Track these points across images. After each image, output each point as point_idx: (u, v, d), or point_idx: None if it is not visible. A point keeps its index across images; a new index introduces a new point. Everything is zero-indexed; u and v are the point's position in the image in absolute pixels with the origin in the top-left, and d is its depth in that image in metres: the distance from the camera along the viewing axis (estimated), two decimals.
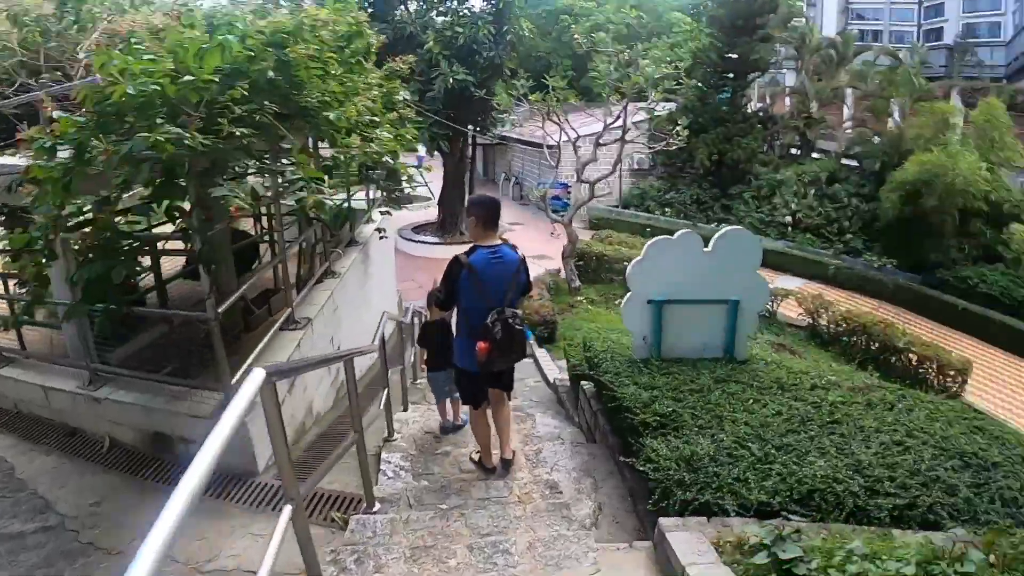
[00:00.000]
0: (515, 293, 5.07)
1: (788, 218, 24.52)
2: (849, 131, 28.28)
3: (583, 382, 7.31)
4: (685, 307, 6.17)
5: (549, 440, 6.59)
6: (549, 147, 19.26)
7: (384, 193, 11.65)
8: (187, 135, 4.39)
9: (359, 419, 4.58)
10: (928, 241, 20.79)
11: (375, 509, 4.87)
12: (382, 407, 6.28)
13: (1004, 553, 3.51)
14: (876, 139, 25.57)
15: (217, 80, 4.73)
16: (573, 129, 17.83)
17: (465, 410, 6.24)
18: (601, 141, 17.26)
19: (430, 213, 25.97)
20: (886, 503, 4.28)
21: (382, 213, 11.89)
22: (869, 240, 23.30)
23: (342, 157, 7.52)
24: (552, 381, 9.79)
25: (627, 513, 5.10)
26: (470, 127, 23.11)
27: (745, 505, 4.11)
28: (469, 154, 25.64)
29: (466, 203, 5.43)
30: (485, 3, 21.34)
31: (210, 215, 5.50)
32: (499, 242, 5.06)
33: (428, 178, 18.11)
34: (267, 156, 6.18)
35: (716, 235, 6.17)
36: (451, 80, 19.74)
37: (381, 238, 11.49)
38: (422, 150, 25.05)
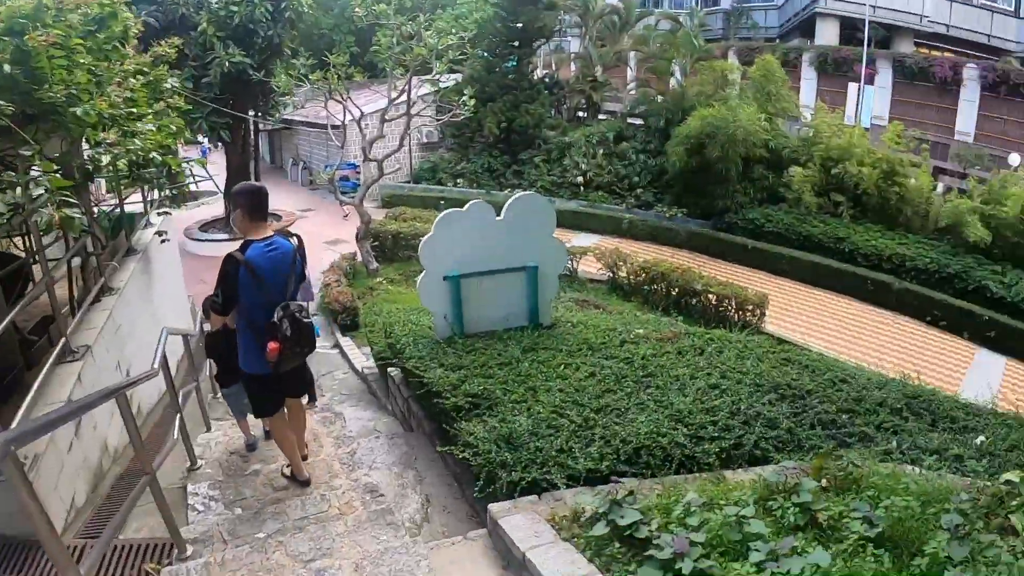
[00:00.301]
0: (296, 284, 4.77)
1: (580, 178, 25.32)
2: (633, 92, 29.60)
3: (390, 369, 7.01)
4: (483, 279, 6.03)
5: (363, 437, 6.24)
6: (334, 128, 18.51)
7: (161, 192, 10.58)
8: None
9: (148, 459, 4.02)
10: (715, 189, 22.20)
11: (187, 554, 4.27)
12: (176, 435, 5.52)
13: (833, 476, 3.69)
14: (659, 98, 26.81)
15: None
16: (357, 107, 17.24)
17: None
18: (387, 117, 16.81)
19: (217, 208, 24.22)
20: (712, 447, 4.39)
21: (160, 215, 10.81)
22: (659, 192, 24.50)
23: (101, 158, 6.63)
24: (361, 370, 9.43)
25: (456, 500, 4.92)
26: (251, 113, 21.68)
27: (574, 475, 4.02)
28: (253, 142, 24.11)
29: (233, 192, 4.75)
30: None
31: None
32: (271, 233, 4.64)
33: (212, 170, 16.76)
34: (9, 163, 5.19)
35: (507, 202, 6.04)
36: (227, 64, 18.29)
37: (163, 242, 10.35)
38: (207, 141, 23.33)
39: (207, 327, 7.77)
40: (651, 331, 6.44)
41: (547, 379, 5.14)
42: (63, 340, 6.40)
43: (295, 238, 4.80)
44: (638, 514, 3.21)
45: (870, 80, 27.13)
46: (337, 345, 12.15)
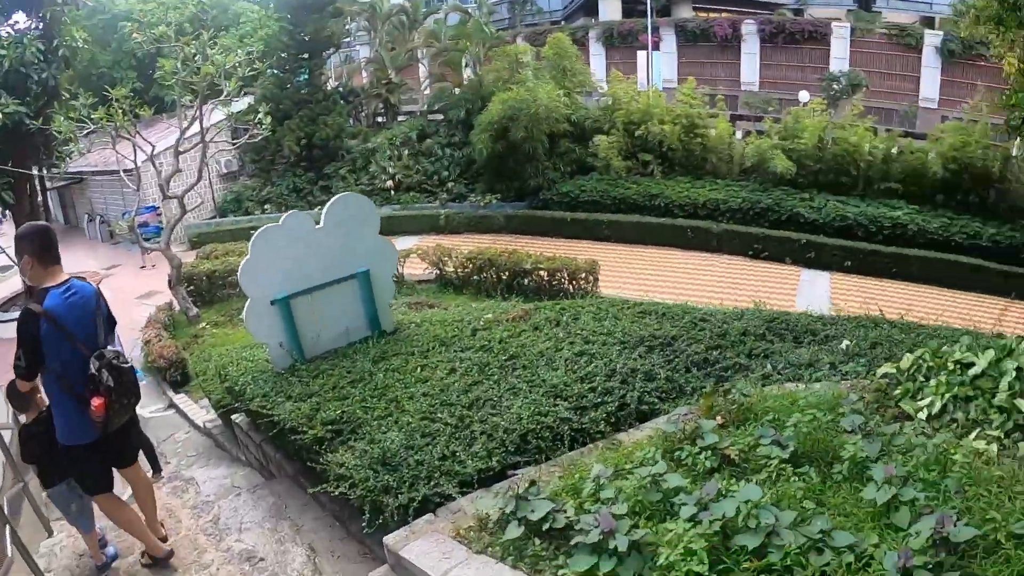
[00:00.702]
0: (106, 329, 4.10)
1: (388, 182, 24.81)
2: (428, 90, 29.35)
3: (234, 416, 6.26)
4: (314, 295, 5.48)
5: (223, 498, 5.45)
6: (126, 171, 16.74)
7: None
8: None
9: None
10: (525, 169, 22.39)
11: None
12: (11, 552, 4.49)
13: (727, 411, 3.60)
14: (457, 91, 26.74)
15: None
16: (149, 143, 15.68)
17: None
18: (181, 149, 15.45)
19: (15, 283, 21.29)
20: (599, 415, 4.17)
21: None
22: (470, 183, 24.39)
23: None
24: (203, 426, 8.50)
25: (343, 541, 4.39)
26: (34, 168, 19.23)
27: (465, 480, 3.65)
28: (41, 201, 21.48)
29: (16, 237, 3.99)
30: (29, 19, 17.53)
31: None
32: (66, 276, 3.95)
33: (3, 242, 14.64)
34: None
35: (326, 207, 5.54)
36: (0, 115, 16.09)
37: None
38: None
39: (23, 418, 6.54)
40: (500, 314, 6.14)
41: (407, 386, 4.70)
42: None
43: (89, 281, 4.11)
44: (548, 503, 2.92)
45: (656, 47, 28.54)
46: (172, 405, 10.95)
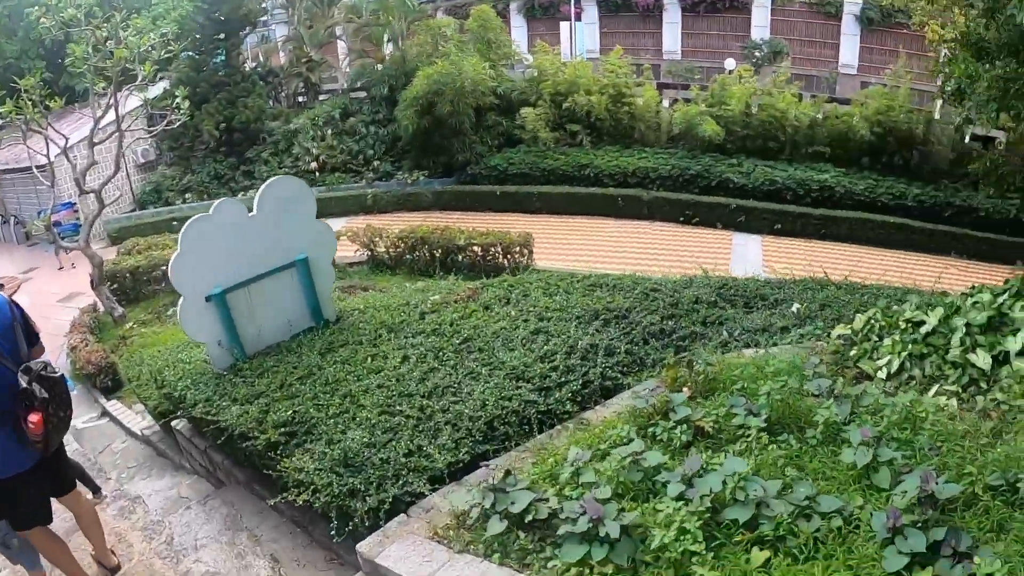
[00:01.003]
0: (25, 338, 3.67)
1: (313, 164, 24.05)
2: (348, 68, 28.52)
3: (174, 422, 5.92)
4: (252, 288, 5.18)
5: (172, 513, 5.14)
6: (39, 167, 15.73)
7: None
8: None
9: None
10: (452, 144, 22.03)
11: None
12: None
13: (694, 382, 3.56)
14: (379, 67, 26.05)
15: None
16: (62, 135, 14.71)
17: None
18: (95, 140, 14.57)
19: None
20: (564, 394, 4.07)
21: None
22: (397, 160, 23.94)
23: None
24: (140, 433, 8.05)
25: (307, 548, 4.18)
26: None
27: (436, 476, 3.50)
28: None
29: None
30: None
31: None
32: None
33: None
34: None
35: (258, 192, 5.21)
36: None
37: None
38: None
39: None
40: (447, 295, 5.98)
41: (359, 379, 4.49)
42: None
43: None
44: (528, 494, 2.81)
45: (578, 18, 28.38)
46: (105, 413, 10.35)
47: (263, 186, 5.23)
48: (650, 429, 3.24)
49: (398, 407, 4.03)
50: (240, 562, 4.17)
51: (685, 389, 3.49)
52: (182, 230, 4.90)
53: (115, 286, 15.46)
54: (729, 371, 3.72)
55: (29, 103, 13.47)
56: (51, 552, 3.95)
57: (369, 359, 4.73)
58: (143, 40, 13.94)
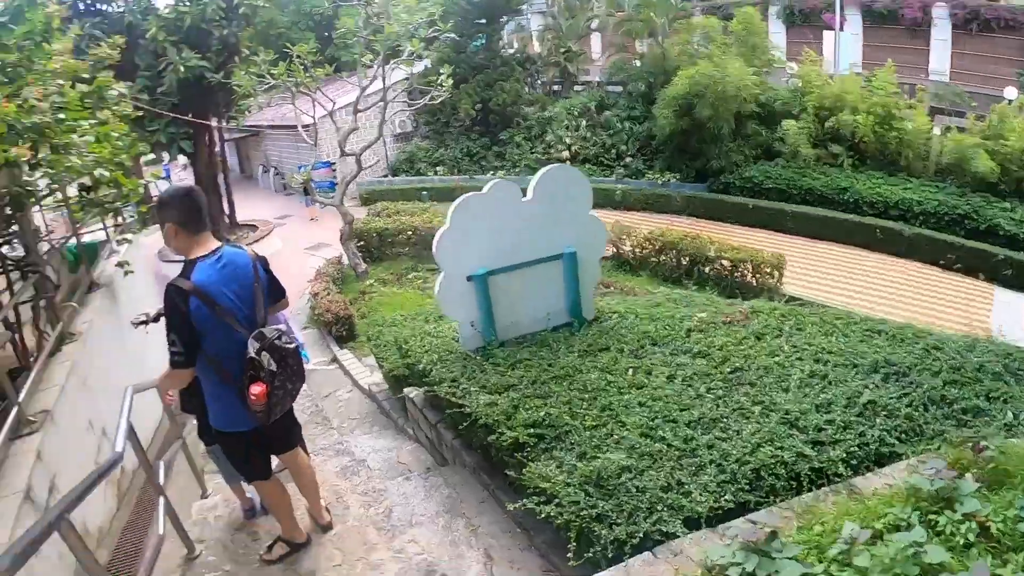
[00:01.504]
0: (266, 302, 3.59)
1: (565, 153, 24.19)
2: (600, 62, 28.51)
3: (408, 389, 5.92)
4: (515, 274, 4.98)
5: (391, 478, 5.14)
6: (305, 126, 17.21)
7: (119, 217, 9.37)
8: None
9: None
10: (708, 149, 21.28)
11: None
12: (163, 519, 4.16)
13: (980, 469, 2.90)
14: (637, 63, 25.81)
15: None
16: (330, 99, 15.95)
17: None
18: (360, 107, 15.59)
19: None
20: (837, 453, 3.48)
21: (120, 243, 9.60)
22: (649, 159, 23.50)
23: (37, 182, 5.46)
24: (368, 388, 8.27)
25: (524, 551, 3.91)
26: (213, 120, 20.35)
27: (691, 519, 3.07)
28: (219, 152, 22.74)
29: (156, 203, 3.53)
30: None
31: None
32: (216, 244, 3.46)
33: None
34: None
35: (535, 178, 4.99)
36: (182, 68, 17.06)
37: (126, 274, 8.91)
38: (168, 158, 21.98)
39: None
40: (714, 313, 5.45)
41: (620, 391, 4.10)
42: (14, 411, 5.22)
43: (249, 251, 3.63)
44: (798, 566, 2.33)
45: (842, 28, 26.24)
46: (335, 360, 10.99)
47: (541, 172, 5.01)
48: (931, 516, 2.61)
49: (660, 432, 3.62)
50: (454, 550, 4.01)
51: (969, 475, 2.81)
52: (453, 205, 4.81)
53: (361, 243, 16.55)
54: (1018, 461, 2.96)
55: (300, 68, 14.67)
56: (273, 501, 4.01)
57: (631, 371, 4.35)
58: (412, 18, 14.63)
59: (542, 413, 3.85)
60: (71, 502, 2.74)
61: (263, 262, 3.60)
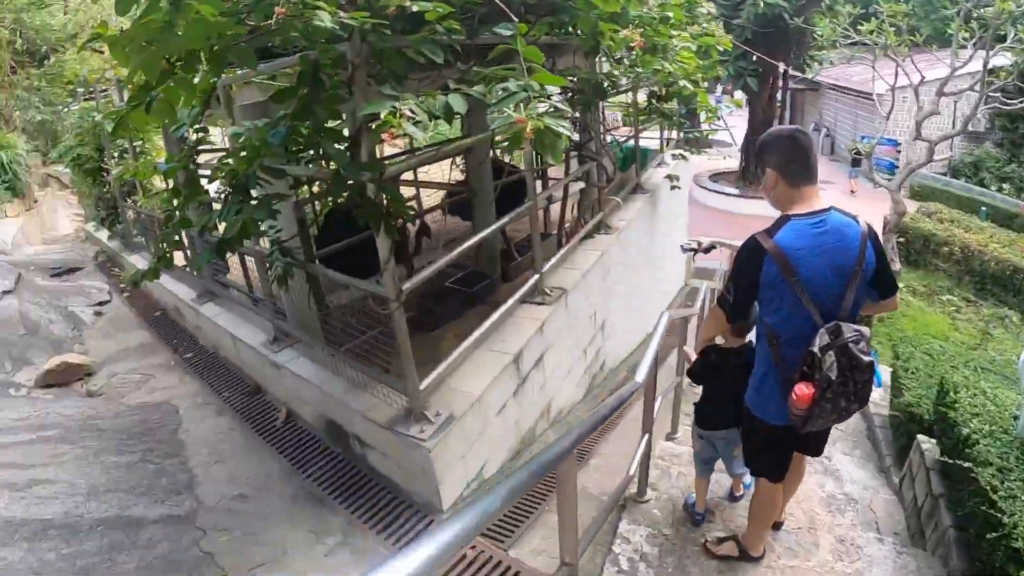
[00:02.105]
0: (861, 294, 2.82)
1: None
2: None
3: (922, 437, 4.79)
4: None
5: (865, 531, 4.24)
6: (876, 95, 15.44)
7: (679, 132, 9.55)
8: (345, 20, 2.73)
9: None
10: None
11: None
12: (638, 458, 3.96)
13: None
14: None
15: None
16: (918, 71, 13.87)
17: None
18: (946, 90, 13.33)
19: (729, 162, 22.80)
20: None
21: (675, 157, 9.84)
22: None
23: (619, 77, 5.58)
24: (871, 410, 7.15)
25: None
26: (781, 64, 19.65)
27: None
28: (780, 98, 22.06)
29: (756, 151, 3.06)
30: None
31: (358, 140, 3.54)
32: (823, 205, 2.80)
33: (730, 121, 15.50)
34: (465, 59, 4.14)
35: None
36: (762, 4, 16.72)
37: (673, 188, 9.15)
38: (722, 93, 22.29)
39: (709, 298, 6.41)
40: None
41: None
42: (535, 278, 5.66)
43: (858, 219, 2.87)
44: None
45: None
46: None
47: None
48: None
49: None
50: None
51: None
52: None
53: (902, 239, 14.79)
54: None
55: (891, 30, 12.95)
56: (763, 503, 3.46)
57: None
58: None
59: None
60: (582, 434, 2.58)
61: (875, 241, 2.85)
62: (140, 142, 8.42)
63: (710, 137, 10.76)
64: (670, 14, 5.87)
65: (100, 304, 9.11)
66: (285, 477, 4.79)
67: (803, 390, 2.68)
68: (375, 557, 3.85)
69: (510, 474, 1.94)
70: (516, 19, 3.13)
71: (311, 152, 3.37)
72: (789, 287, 2.70)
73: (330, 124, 3.27)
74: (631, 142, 8.93)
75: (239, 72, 4.11)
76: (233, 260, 7.11)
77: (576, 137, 6.87)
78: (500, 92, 2.89)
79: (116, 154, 9.28)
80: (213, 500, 4.58)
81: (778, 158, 2.81)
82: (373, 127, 2.93)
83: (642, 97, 8.34)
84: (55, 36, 15.31)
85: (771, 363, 2.91)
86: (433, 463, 4.05)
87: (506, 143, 2.78)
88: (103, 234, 11.51)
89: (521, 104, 2.77)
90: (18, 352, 7.29)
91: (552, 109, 2.90)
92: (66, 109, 14.27)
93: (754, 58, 18.14)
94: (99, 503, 4.51)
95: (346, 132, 3.65)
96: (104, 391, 6.46)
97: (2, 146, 13.25)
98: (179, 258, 7.37)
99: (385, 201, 3.53)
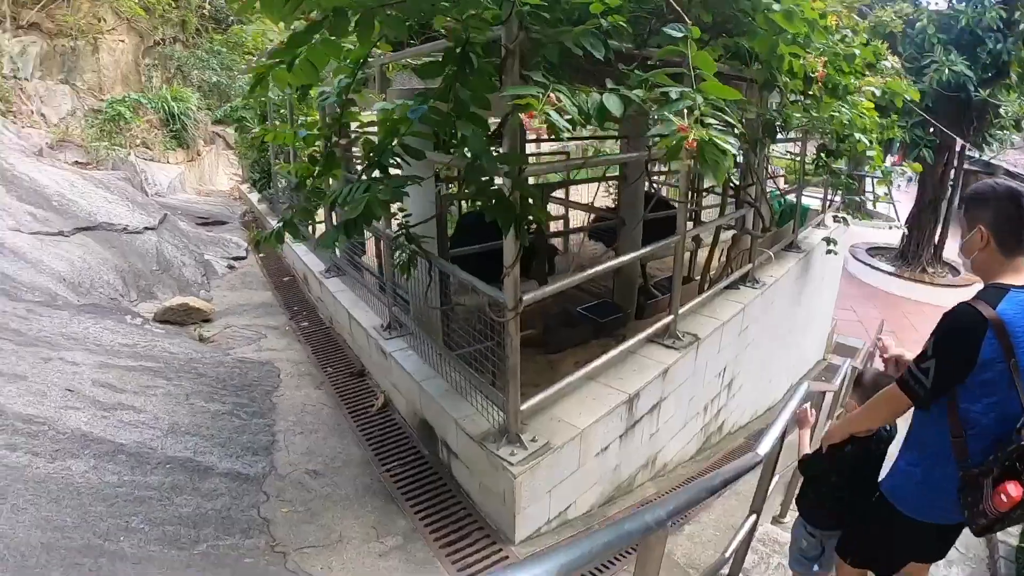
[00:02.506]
0: None
1: None
2: None
3: None
4: None
5: None
6: None
7: (844, 194, 8.95)
8: None
9: None
10: None
11: None
12: (738, 540, 3.18)
13: None
14: None
15: None
16: None
17: None
18: None
19: (890, 236, 21.52)
20: None
21: (836, 220, 9.20)
22: None
23: (791, 115, 5.18)
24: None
25: None
26: (959, 140, 18.15)
27: None
28: (952, 176, 20.40)
29: (963, 201, 2.45)
30: None
31: (500, 131, 3.38)
32: None
33: (895, 195, 14.38)
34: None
35: None
36: (946, 72, 15.47)
37: (828, 252, 8.52)
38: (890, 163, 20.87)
39: (851, 373, 5.74)
40: None
41: None
42: (669, 318, 5.26)
43: None
44: None
45: None
46: None
47: None
48: None
49: None
50: None
51: None
52: None
53: None
54: None
55: None
56: None
57: None
58: None
59: None
60: (682, 505, 2.20)
61: None
62: (303, 116, 8.69)
63: (874, 206, 9.92)
64: (857, 51, 5.36)
65: (235, 259, 9.45)
66: (363, 464, 4.62)
67: (1013, 490, 2.16)
68: (429, 574, 3.62)
69: (593, 533, 1.65)
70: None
71: (455, 140, 3.18)
72: (1006, 368, 2.21)
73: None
74: (790, 196, 8.36)
75: (393, 52, 4.05)
76: (372, 241, 7.16)
77: (740, 160, 6.44)
78: (661, 97, 2.60)
79: (277, 123, 9.62)
80: (286, 469, 4.47)
81: (994, 217, 2.32)
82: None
83: (809, 150, 7.81)
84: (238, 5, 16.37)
85: (947, 455, 2.39)
86: (516, 490, 3.73)
87: (664, 153, 2.47)
88: (255, 196, 12.04)
89: (685, 111, 2.46)
90: (146, 284, 7.59)
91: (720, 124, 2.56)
92: (240, 75, 15.14)
93: (931, 129, 16.83)
94: (175, 442, 4.50)
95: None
96: (215, 339, 6.59)
97: (177, 98, 14.17)
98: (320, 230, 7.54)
99: (519, 202, 3.28)
